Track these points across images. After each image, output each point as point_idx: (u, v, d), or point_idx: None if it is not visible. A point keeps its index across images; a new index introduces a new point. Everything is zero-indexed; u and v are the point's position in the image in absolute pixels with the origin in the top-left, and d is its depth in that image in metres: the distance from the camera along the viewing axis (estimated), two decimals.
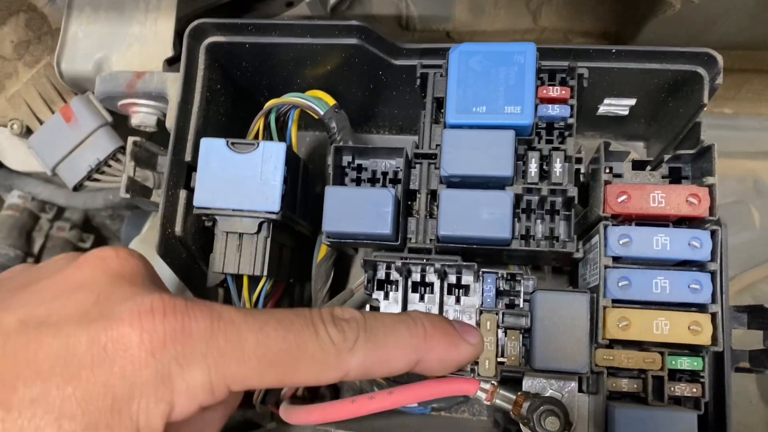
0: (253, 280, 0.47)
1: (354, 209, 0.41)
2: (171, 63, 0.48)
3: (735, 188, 0.66)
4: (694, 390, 0.38)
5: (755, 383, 0.57)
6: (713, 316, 0.37)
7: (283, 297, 0.53)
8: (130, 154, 0.43)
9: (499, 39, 0.71)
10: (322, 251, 0.53)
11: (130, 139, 0.43)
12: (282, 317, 0.31)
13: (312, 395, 0.54)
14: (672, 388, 0.38)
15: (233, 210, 0.44)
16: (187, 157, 0.45)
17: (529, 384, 0.42)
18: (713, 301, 0.38)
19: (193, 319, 0.29)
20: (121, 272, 0.31)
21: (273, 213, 0.43)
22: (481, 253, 0.46)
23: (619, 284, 0.38)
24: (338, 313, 0.33)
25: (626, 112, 0.51)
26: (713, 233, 0.38)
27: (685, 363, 0.38)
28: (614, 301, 0.38)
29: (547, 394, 0.42)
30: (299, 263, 0.53)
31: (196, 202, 0.44)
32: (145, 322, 0.28)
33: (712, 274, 0.38)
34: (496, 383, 0.42)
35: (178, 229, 0.45)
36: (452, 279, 0.44)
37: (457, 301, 0.43)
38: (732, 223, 0.63)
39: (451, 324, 0.38)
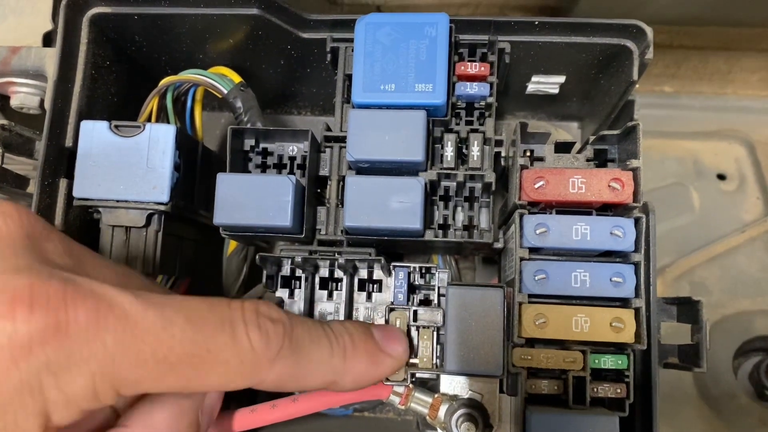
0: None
1: (250, 199, 0.37)
2: (50, 37, 0.43)
3: (675, 170, 0.63)
4: (618, 390, 0.35)
5: (691, 375, 0.55)
6: (637, 311, 0.34)
7: (191, 293, 0.49)
8: None
9: None
10: (232, 244, 0.49)
11: None
12: (193, 315, 0.26)
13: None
14: (595, 389, 0.35)
15: (117, 201, 0.39)
16: (68, 143, 0.41)
17: (447, 384, 0.39)
18: (637, 295, 0.35)
19: (71, 312, 0.23)
20: None
21: (162, 203, 0.39)
22: (402, 245, 0.42)
23: (536, 278, 0.35)
24: (264, 311, 0.29)
25: (556, 91, 0.48)
26: (637, 221, 0.35)
27: (609, 362, 0.35)
28: (531, 296, 0.35)
29: (467, 396, 0.39)
30: (208, 256, 0.49)
31: (75, 192, 0.39)
32: (4, 320, 0.22)
33: (636, 265, 0.35)
34: (411, 385, 0.39)
35: (58, 222, 0.40)
36: (363, 274, 0.40)
37: (369, 297, 0.40)
38: (671, 206, 0.62)
39: (372, 338, 0.35)
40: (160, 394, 0.30)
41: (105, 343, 0.24)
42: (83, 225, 0.42)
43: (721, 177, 0.63)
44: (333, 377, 0.32)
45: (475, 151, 0.39)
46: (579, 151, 0.40)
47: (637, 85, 0.42)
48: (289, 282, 0.40)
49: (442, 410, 0.39)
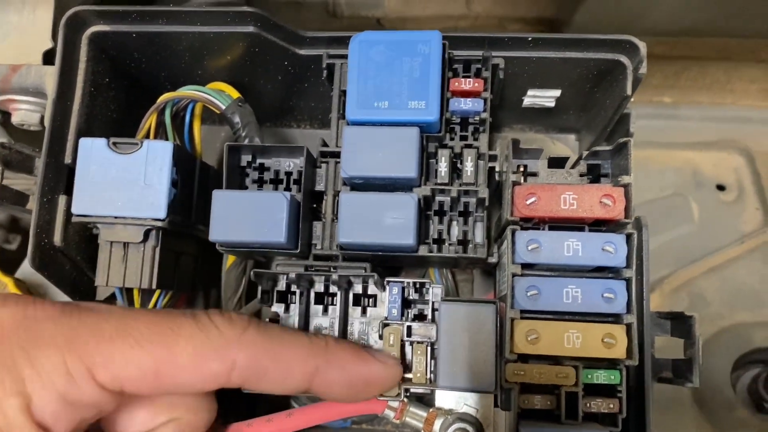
0: (147, 293, 0.43)
1: (245, 215, 0.37)
2: (50, 55, 0.44)
3: (674, 180, 0.63)
4: (611, 406, 0.35)
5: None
6: (628, 327, 0.34)
7: (190, 307, 0.49)
8: None
9: (431, 26, 0.67)
10: (230, 258, 0.49)
11: None
12: (154, 310, 0.30)
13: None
14: (588, 405, 0.35)
15: (115, 217, 0.40)
16: (67, 159, 0.41)
17: (442, 398, 0.39)
18: (628, 310, 0.35)
19: (39, 305, 0.27)
20: None
21: (159, 220, 0.40)
22: (397, 259, 0.43)
23: (528, 294, 0.35)
24: (227, 312, 0.31)
25: (552, 104, 0.48)
26: (628, 237, 0.35)
27: (601, 377, 0.35)
28: (523, 312, 0.35)
29: (462, 410, 0.39)
30: (207, 270, 0.49)
31: (74, 209, 0.40)
32: None
33: (627, 281, 0.35)
34: (405, 400, 0.39)
35: (57, 238, 0.41)
36: (358, 289, 0.40)
37: (363, 312, 0.40)
38: (670, 217, 0.62)
39: (361, 346, 0.36)
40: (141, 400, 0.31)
41: (70, 322, 0.27)
42: (82, 241, 0.43)
43: (721, 187, 0.63)
44: (314, 362, 0.32)
45: (468, 166, 0.39)
46: (572, 166, 0.40)
47: (633, 98, 0.42)
48: (284, 297, 0.40)
49: (437, 425, 0.39)
